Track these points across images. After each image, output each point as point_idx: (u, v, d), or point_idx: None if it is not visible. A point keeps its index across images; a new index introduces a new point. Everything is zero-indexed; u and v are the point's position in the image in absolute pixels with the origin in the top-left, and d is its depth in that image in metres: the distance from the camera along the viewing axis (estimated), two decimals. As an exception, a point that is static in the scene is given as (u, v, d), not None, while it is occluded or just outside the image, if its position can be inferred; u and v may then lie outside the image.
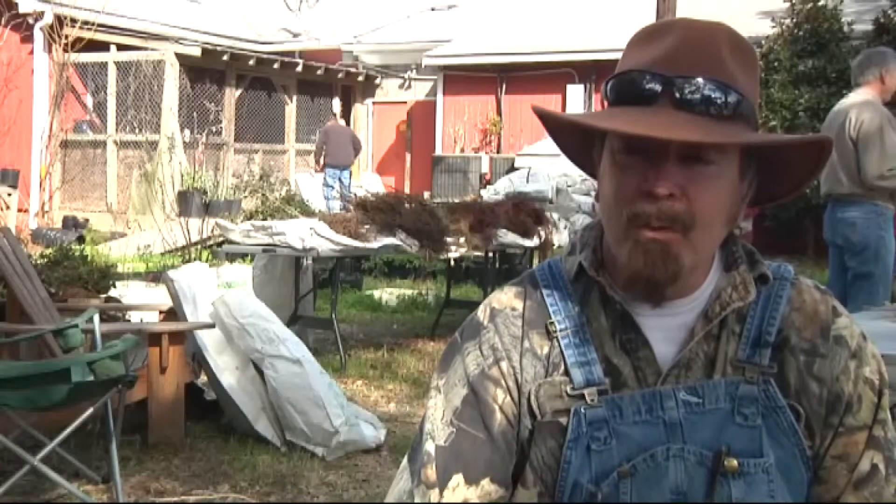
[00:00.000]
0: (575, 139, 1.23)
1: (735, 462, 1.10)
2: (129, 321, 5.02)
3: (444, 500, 1.15)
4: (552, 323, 1.19)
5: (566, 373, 1.16)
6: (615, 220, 1.13)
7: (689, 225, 1.10)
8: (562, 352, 1.17)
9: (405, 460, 1.23)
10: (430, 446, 1.18)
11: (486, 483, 1.15)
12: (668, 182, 1.08)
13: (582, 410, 1.14)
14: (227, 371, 4.47)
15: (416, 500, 1.16)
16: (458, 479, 1.15)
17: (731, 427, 1.12)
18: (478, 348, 1.21)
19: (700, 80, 1.09)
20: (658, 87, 1.10)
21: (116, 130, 14.43)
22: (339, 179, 14.61)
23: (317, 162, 15.15)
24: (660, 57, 1.12)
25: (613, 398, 1.14)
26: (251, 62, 15.40)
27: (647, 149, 1.09)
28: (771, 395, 1.14)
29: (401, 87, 18.19)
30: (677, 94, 1.09)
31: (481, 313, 1.24)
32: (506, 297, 1.24)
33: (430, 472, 1.17)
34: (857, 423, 1.16)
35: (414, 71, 17.71)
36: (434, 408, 1.21)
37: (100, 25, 13.75)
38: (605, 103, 1.17)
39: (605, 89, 1.16)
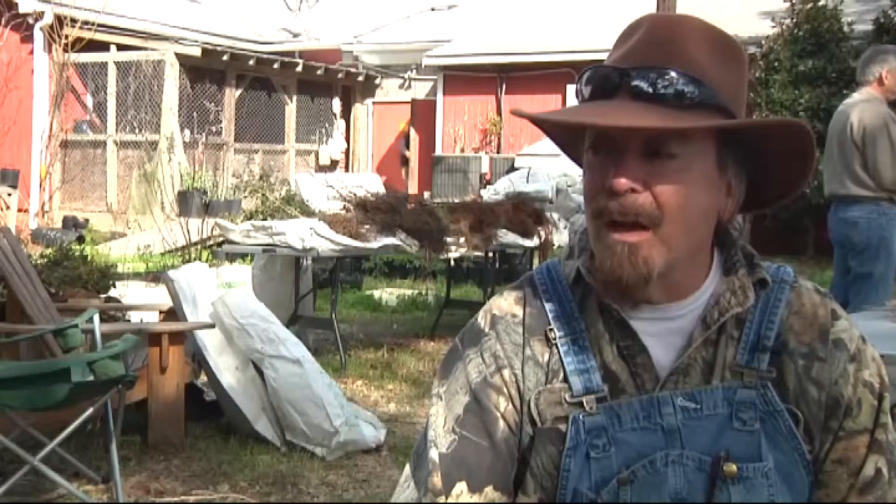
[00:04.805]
0: (567, 139, 1.23)
1: (734, 467, 1.10)
2: (129, 321, 5.01)
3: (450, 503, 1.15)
4: (551, 329, 1.18)
5: (565, 380, 1.16)
6: (588, 219, 1.14)
7: (656, 220, 1.08)
8: (561, 359, 1.17)
9: (408, 468, 1.22)
10: (434, 454, 1.17)
11: (489, 490, 1.14)
12: (627, 177, 1.07)
13: (580, 418, 1.14)
14: (227, 371, 4.47)
15: None
16: (461, 486, 1.15)
17: (730, 432, 1.12)
18: (479, 356, 1.20)
19: (659, 70, 1.08)
20: (616, 80, 1.10)
21: (116, 130, 14.41)
22: None
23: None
24: (624, 53, 1.12)
25: (612, 405, 1.14)
26: (251, 62, 15.39)
27: (610, 146, 1.09)
28: (769, 399, 1.13)
29: (401, 87, 18.18)
30: (633, 85, 1.08)
31: (482, 320, 1.23)
32: (506, 304, 1.23)
33: (437, 480, 1.16)
34: (857, 427, 1.15)
35: (414, 71, 17.69)
36: (436, 415, 1.20)
37: (100, 25, 13.73)
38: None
39: (577, 89, 1.15)
